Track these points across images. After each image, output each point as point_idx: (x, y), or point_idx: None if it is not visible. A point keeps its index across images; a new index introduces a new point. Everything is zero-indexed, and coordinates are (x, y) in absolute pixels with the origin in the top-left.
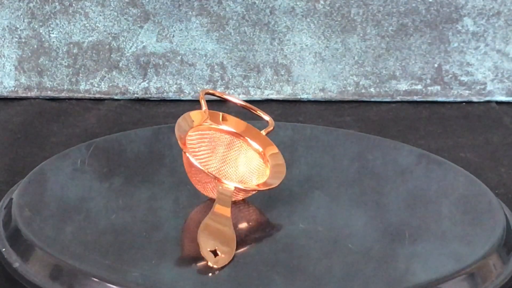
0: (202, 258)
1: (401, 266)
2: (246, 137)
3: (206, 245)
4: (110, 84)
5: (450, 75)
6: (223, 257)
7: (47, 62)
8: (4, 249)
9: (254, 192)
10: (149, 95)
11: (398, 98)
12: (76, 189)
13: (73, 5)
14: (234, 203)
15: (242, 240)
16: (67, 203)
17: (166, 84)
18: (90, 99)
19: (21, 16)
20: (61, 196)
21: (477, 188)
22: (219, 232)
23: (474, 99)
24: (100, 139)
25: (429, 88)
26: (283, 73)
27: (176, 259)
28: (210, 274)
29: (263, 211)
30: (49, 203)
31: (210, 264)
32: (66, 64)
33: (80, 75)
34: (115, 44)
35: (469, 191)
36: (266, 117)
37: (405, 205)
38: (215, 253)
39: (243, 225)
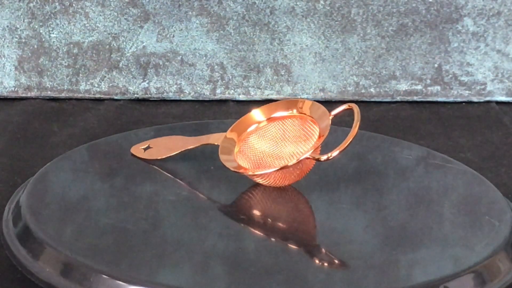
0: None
1: (405, 265)
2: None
3: (156, 141)
4: (110, 84)
5: (450, 75)
6: (144, 152)
7: (47, 62)
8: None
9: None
10: (149, 95)
11: (398, 98)
12: (84, 189)
13: (73, 5)
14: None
15: (239, 246)
16: (75, 202)
17: (166, 84)
18: (90, 99)
19: (21, 16)
20: (69, 195)
21: (484, 186)
22: (173, 141)
23: (474, 99)
24: (104, 139)
25: (429, 88)
26: (283, 73)
27: (180, 259)
28: (210, 275)
29: (261, 213)
30: (57, 202)
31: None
32: (66, 64)
33: (80, 75)
34: (115, 44)
35: (475, 189)
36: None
37: (409, 204)
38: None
39: (240, 229)
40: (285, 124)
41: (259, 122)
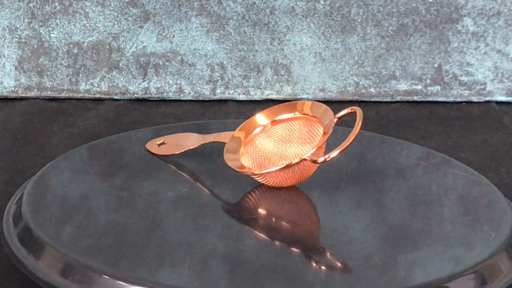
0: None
1: (406, 266)
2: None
3: (170, 138)
4: (110, 84)
5: (450, 75)
6: (158, 148)
7: (47, 62)
8: None
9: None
10: (149, 95)
11: (398, 98)
12: (84, 189)
13: (73, 5)
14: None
15: (239, 245)
16: (76, 202)
17: (166, 84)
18: (90, 99)
19: (21, 16)
20: (69, 195)
21: (484, 186)
22: (186, 138)
23: (474, 99)
24: (104, 139)
25: (429, 88)
26: (283, 73)
27: (180, 259)
28: (210, 275)
29: (261, 213)
30: (58, 202)
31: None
32: (66, 64)
33: (80, 75)
34: (115, 44)
35: (475, 189)
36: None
37: (410, 204)
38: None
39: (240, 229)
40: (292, 125)
41: (266, 124)
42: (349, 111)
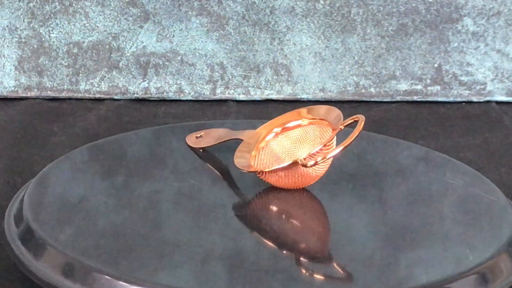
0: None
1: (407, 266)
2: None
3: (207, 132)
4: (110, 84)
5: (450, 75)
6: (195, 140)
7: (47, 62)
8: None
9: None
10: (149, 95)
11: (398, 98)
12: (85, 189)
13: (73, 5)
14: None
15: (239, 245)
16: (77, 202)
17: (166, 84)
18: (90, 99)
19: (21, 16)
20: (70, 195)
21: (485, 186)
22: (221, 133)
23: (474, 99)
24: (104, 139)
25: (429, 88)
26: (283, 73)
27: (180, 259)
28: (210, 275)
29: (261, 213)
30: (59, 202)
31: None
32: (66, 64)
33: (80, 75)
34: (115, 44)
35: (476, 189)
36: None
37: (410, 205)
38: (198, 136)
39: (241, 229)
40: (307, 130)
41: (283, 128)
42: (351, 121)
